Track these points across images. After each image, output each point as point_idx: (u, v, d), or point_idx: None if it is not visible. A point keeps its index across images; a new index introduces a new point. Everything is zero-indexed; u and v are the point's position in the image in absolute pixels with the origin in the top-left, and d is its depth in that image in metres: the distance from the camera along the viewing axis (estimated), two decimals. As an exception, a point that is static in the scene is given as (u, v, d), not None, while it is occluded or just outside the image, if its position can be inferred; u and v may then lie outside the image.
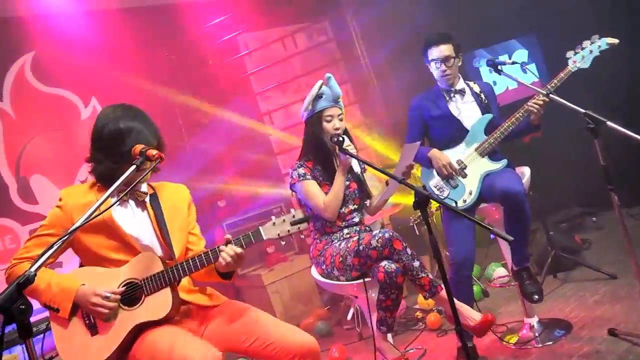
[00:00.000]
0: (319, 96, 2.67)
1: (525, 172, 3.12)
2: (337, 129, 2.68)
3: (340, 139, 2.61)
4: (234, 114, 5.19)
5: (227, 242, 1.97)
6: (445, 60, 3.01)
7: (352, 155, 2.51)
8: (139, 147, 1.91)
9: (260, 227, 1.97)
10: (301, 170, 2.74)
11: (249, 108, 5.17)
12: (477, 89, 3.13)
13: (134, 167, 1.86)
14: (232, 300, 2.16)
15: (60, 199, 2.04)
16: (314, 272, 2.82)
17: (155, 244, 2.05)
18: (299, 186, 2.73)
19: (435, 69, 3.07)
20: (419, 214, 3.98)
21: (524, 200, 2.75)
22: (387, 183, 2.80)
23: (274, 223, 1.96)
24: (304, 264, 4.54)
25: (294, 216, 1.97)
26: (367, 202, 2.87)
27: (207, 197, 4.79)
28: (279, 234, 1.95)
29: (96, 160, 2.02)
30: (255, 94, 5.31)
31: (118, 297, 1.95)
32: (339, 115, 2.71)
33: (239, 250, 1.95)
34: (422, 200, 2.00)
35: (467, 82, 3.17)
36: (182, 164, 4.59)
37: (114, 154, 1.96)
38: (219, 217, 4.62)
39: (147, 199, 2.09)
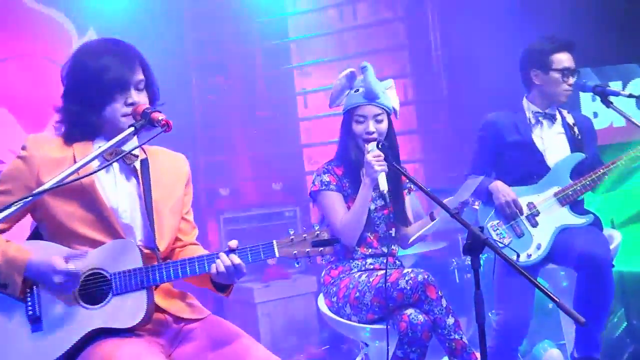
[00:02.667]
0: (354, 90, 2.66)
1: (615, 236, 3.09)
2: (370, 132, 2.66)
3: (379, 144, 2.59)
4: (261, 84, 5.22)
5: (230, 251, 1.96)
6: (573, 72, 2.98)
7: (387, 162, 2.47)
8: (142, 107, 1.90)
9: (274, 242, 1.97)
10: (326, 178, 2.73)
11: (281, 82, 5.19)
12: (570, 119, 3.09)
13: (131, 129, 1.85)
14: (218, 318, 2.14)
15: (24, 148, 1.98)
16: (321, 303, 2.81)
17: (138, 224, 2.03)
18: (319, 197, 2.72)
19: (554, 81, 3.00)
20: (465, 259, 3.96)
21: (609, 272, 2.72)
22: (430, 216, 2.78)
23: (292, 239, 1.97)
24: (309, 287, 4.51)
25: (317, 235, 1.96)
26: (402, 231, 2.84)
27: (206, 178, 4.82)
28: (295, 254, 1.97)
29: (68, 110, 2.02)
30: (293, 66, 5.32)
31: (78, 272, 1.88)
32: (376, 116, 2.68)
33: (237, 261, 1.94)
34: (476, 244, 1.96)
35: (561, 109, 3.12)
36: (184, 128, 4.59)
37: (87, 96, 1.96)
38: (217, 207, 4.66)
39: (138, 165, 2.06)
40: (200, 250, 2.15)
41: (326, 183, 2.72)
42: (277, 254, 1.96)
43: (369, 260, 2.75)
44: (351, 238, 2.67)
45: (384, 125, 2.71)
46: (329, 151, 4.94)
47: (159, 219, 2.03)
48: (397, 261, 2.83)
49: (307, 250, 1.98)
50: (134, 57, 2.02)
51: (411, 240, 2.70)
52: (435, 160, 5.09)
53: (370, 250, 2.76)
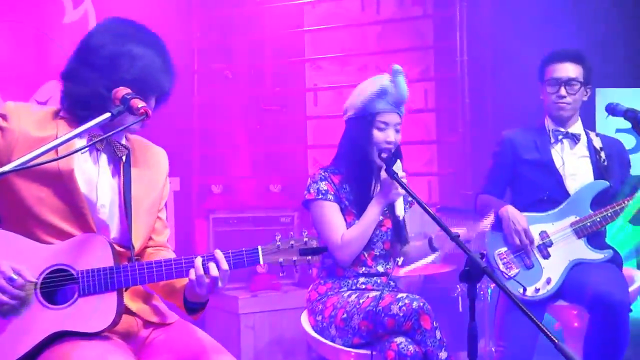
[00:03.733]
0: (381, 93, 2.67)
1: (636, 277, 3.10)
2: (390, 142, 2.68)
3: (391, 156, 2.60)
4: (269, 76, 5.23)
5: (211, 258, 1.97)
6: (567, 82, 2.99)
7: (402, 186, 2.49)
8: (122, 91, 1.90)
9: (259, 247, 2.00)
10: (323, 186, 2.74)
11: (291, 75, 5.21)
12: (598, 143, 3.09)
13: (108, 115, 1.85)
14: (186, 324, 2.16)
15: (3, 116, 1.95)
16: (305, 320, 2.84)
17: (115, 221, 2.04)
18: (315, 207, 2.73)
19: (549, 93, 3.04)
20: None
21: (625, 317, 2.72)
22: (429, 243, 2.82)
23: (279, 246, 2.00)
24: (301, 301, 4.40)
25: (305, 242, 2.00)
26: (399, 250, 2.87)
27: (199, 172, 4.85)
28: (281, 262, 2.01)
29: (78, 78, 1.99)
30: (305, 59, 5.34)
31: (26, 284, 1.86)
32: (396, 125, 2.71)
33: (214, 272, 1.95)
34: (474, 272, 1.99)
35: (588, 130, 3.13)
36: (181, 116, 4.61)
37: (108, 78, 1.96)
38: (207, 206, 4.68)
39: (124, 158, 2.07)
40: (172, 256, 2.17)
41: (323, 192, 2.73)
42: (261, 261, 2.00)
43: (361, 280, 2.76)
44: (350, 257, 2.69)
45: (400, 136, 2.76)
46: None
47: (136, 217, 2.05)
48: (391, 282, 2.84)
49: (294, 258, 2.02)
50: (171, 62, 2.08)
51: (405, 270, 2.71)
52: (451, 174, 5.08)
53: (363, 268, 2.77)
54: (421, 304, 2.51)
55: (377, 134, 2.71)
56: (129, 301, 2.06)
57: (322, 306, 2.70)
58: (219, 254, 1.98)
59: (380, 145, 2.70)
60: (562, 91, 3.02)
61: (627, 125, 4.38)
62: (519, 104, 4.06)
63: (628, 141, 3.79)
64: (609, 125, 4.00)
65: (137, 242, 2.08)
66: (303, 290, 4.50)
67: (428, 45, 5.36)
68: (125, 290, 2.03)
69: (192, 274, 1.96)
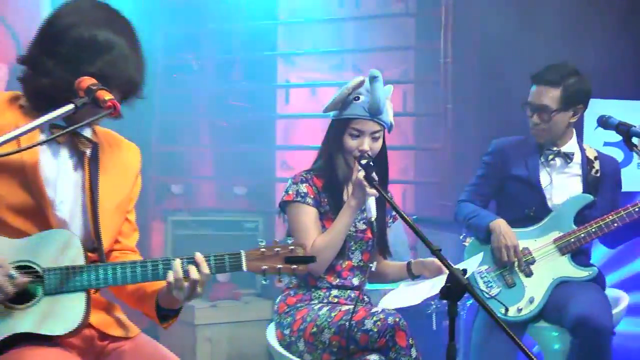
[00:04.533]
0: (353, 97, 2.68)
1: (621, 298, 3.14)
2: (364, 151, 2.68)
3: (369, 162, 2.61)
4: (238, 69, 5.23)
5: (190, 261, 1.98)
6: (539, 109, 3.03)
7: (377, 189, 2.50)
8: (87, 81, 1.87)
9: (242, 252, 2.01)
10: (303, 188, 2.74)
11: (261, 69, 5.21)
12: (591, 153, 3.14)
13: (71, 106, 1.83)
14: (150, 340, 2.14)
15: None
16: (271, 333, 2.82)
17: (77, 221, 2.02)
18: (292, 209, 2.74)
19: (528, 116, 3.09)
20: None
21: (608, 342, 2.76)
22: (407, 268, 2.85)
23: (263, 252, 2.01)
24: (263, 313, 4.53)
25: (291, 250, 2.02)
26: (375, 265, 2.88)
27: (158, 170, 4.83)
28: (264, 270, 2.01)
29: (40, 65, 1.93)
30: (277, 52, 5.33)
31: (25, 280, 1.86)
32: (373, 133, 2.71)
33: (195, 275, 1.95)
34: (456, 289, 1.98)
35: (583, 144, 3.17)
36: (140, 107, 4.52)
37: (73, 66, 1.91)
38: (166, 206, 4.66)
39: (88, 153, 2.04)
40: None
41: (302, 195, 2.73)
42: (244, 267, 2.01)
43: (334, 292, 2.76)
44: (322, 265, 2.68)
45: (379, 144, 2.75)
46: (307, 157, 4.98)
47: (103, 217, 2.03)
48: (365, 297, 2.84)
49: (279, 266, 2.02)
50: (141, 51, 2.04)
51: (382, 305, 2.70)
52: (429, 183, 5.12)
53: (337, 280, 2.77)
54: (397, 320, 2.51)
55: (349, 141, 2.70)
56: None
57: (291, 319, 2.69)
58: (199, 256, 1.98)
59: (352, 153, 2.71)
60: (535, 118, 3.07)
61: (616, 138, 4.48)
62: (505, 112, 4.11)
63: (616, 155, 3.85)
64: (597, 138, 4.08)
65: (106, 243, 2.06)
66: (265, 301, 4.60)
67: (409, 45, 5.39)
68: (95, 292, 2.01)
69: (171, 276, 1.95)
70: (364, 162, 2.62)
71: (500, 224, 3.04)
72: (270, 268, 2.02)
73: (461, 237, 3.91)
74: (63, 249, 1.93)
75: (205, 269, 1.98)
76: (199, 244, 4.34)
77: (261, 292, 4.71)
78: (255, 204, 4.90)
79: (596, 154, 3.16)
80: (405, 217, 2.23)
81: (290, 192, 2.75)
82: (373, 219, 2.56)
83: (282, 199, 2.78)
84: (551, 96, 3.03)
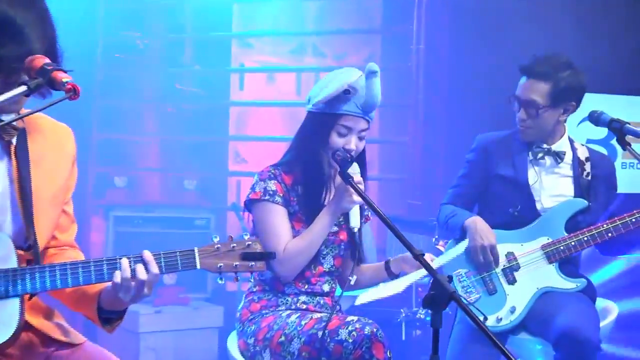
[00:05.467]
0: (349, 92, 2.66)
1: (610, 310, 3.17)
2: (350, 150, 2.67)
3: (350, 160, 2.59)
4: (188, 51, 5.18)
5: (138, 260, 1.96)
6: (526, 105, 3.04)
7: (359, 193, 2.48)
8: (39, 60, 1.83)
9: (196, 250, 1.99)
10: (271, 185, 2.70)
11: (214, 51, 5.19)
12: (583, 153, 3.16)
13: (23, 88, 1.78)
14: (98, 348, 2.11)
15: None
16: (232, 343, 2.79)
17: (7, 218, 1.98)
18: (259, 208, 2.71)
19: (515, 111, 3.10)
20: (418, 311, 4.00)
21: (593, 357, 2.75)
22: (386, 267, 2.83)
23: (218, 248, 2.00)
24: (213, 319, 4.51)
25: (248, 245, 2.02)
26: (352, 273, 2.82)
27: (98, 161, 4.78)
28: (220, 267, 2.00)
29: None
30: (232, 33, 5.30)
31: None
32: (361, 132, 2.70)
33: (142, 276, 1.93)
34: (441, 298, 1.99)
35: (574, 142, 3.20)
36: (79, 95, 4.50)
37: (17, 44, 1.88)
38: (107, 201, 4.61)
39: (14, 140, 2.00)
40: (82, 258, 2.13)
41: (271, 193, 2.69)
42: (198, 265, 2.00)
43: (302, 298, 2.73)
44: (292, 272, 2.66)
45: (363, 144, 2.75)
46: (263, 149, 5.02)
47: (37, 211, 1.99)
48: (335, 303, 2.82)
49: (236, 263, 2.02)
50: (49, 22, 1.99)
51: (360, 301, 2.70)
52: (395, 180, 5.14)
53: (306, 286, 2.74)
54: (374, 330, 2.49)
55: (336, 139, 2.68)
56: (28, 315, 1.98)
57: (256, 327, 2.64)
58: (148, 255, 1.97)
59: (337, 152, 2.69)
60: (522, 114, 3.05)
61: (600, 135, 4.62)
62: (484, 103, 4.14)
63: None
64: (580, 135, 4.14)
65: (41, 240, 2.01)
66: (216, 307, 4.61)
67: (375, 28, 5.40)
68: (30, 299, 1.97)
69: (118, 277, 1.93)
70: (339, 155, 2.60)
71: (475, 222, 3.03)
72: (226, 266, 2.02)
73: (434, 239, 3.95)
74: None
75: (155, 269, 1.96)
76: (144, 243, 4.27)
77: (212, 297, 4.70)
78: (206, 199, 4.87)
79: (588, 155, 3.15)
80: (389, 222, 2.22)
81: (257, 190, 2.71)
82: (356, 229, 2.56)
83: (247, 197, 2.74)
84: (540, 91, 3.00)
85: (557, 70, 3.01)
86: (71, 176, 2.14)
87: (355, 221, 2.61)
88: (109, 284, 1.97)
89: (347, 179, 2.52)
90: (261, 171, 2.76)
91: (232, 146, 5.23)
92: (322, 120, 2.69)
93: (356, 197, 2.57)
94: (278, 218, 2.68)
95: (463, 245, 2.78)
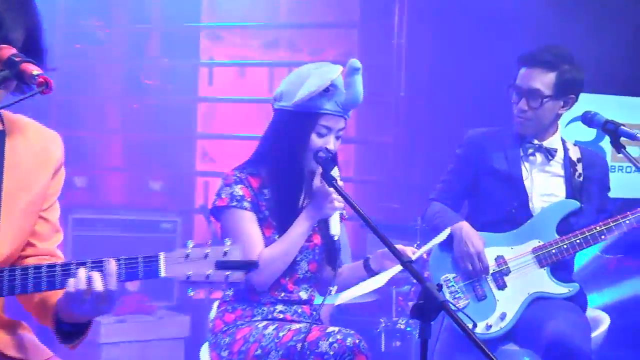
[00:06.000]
0: (330, 90, 2.64)
1: (602, 320, 3.16)
2: (329, 151, 2.65)
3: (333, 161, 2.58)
4: (154, 42, 5.18)
5: (96, 265, 1.89)
6: (528, 94, 3.05)
7: (344, 197, 2.46)
8: (6, 51, 1.79)
9: (162, 255, 1.90)
10: (238, 190, 2.67)
11: (182, 44, 5.17)
12: (575, 153, 3.17)
13: None
14: None
15: None
16: (205, 356, 2.76)
17: None
18: (227, 216, 2.68)
19: (512, 102, 3.11)
20: (398, 320, 3.99)
21: None
22: (365, 265, 2.82)
23: (188, 255, 1.91)
24: (180, 330, 4.50)
25: (225, 253, 1.92)
26: (327, 273, 2.84)
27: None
28: (189, 276, 1.91)
29: None
30: (200, 25, 5.28)
31: None
32: (339, 131, 2.70)
33: (98, 286, 1.85)
34: (430, 307, 1.98)
35: (566, 141, 3.22)
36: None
37: None
38: (66, 202, 4.51)
39: None
40: None
41: (238, 198, 2.66)
42: (162, 273, 1.90)
43: (279, 307, 2.71)
44: (268, 280, 2.65)
45: (339, 143, 2.74)
46: (232, 148, 4.99)
47: (6, 217, 1.95)
48: (314, 312, 2.81)
49: (208, 272, 1.91)
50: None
51: (340, 301, 2.68)
52: (372, 182, 5.13)
53: (283, 294, 2.72)
54: (357, 341, 2.46)
55: (316, 140, 2.66)
56: None
57: (230, 339, 2.60)
58: (109, 262, 1.88)
59: (316, 153, 2.67)
60: (522, 104, 3.05)
61: (589, 136, 4.66)
62: (466, 102, 4.14)
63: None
64: (568, 136, 4.15)
65: (3, 249, 1.96)
66: (183, 316, 4.58)
67: (354, 22, 5.40)
68: None
69: (71, 285, 1.85)
70: (322, 155, 2.58)
71: (462, 228, 3.04)
72: (196, 274, 1.90)
73: (415, 245, 3.94)
74: None
75: (113, 278, 1.87)
76: (105, 248, 4.33)
77: (178, 305, 4.67)
78: (172, 201, 4.87)
79: (579, 155, 3.18)
80: (376, 228, 2.23)
81: (223, 196, 2.68)
82: (336, 237, 2.55)
83: (213, 204, 2.70)
84: (545, 80, 3.02)
85: (563, 60, 3.04)
86: (53, 184, 2.09)
87: (335, 228, 2.61)
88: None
89: (331, 181, 2.50)
90: (226, 175, 2.73)
91: (199, 144, 5.23)
92: (301, 120, 2.66)
93: (338, 204, 2.58)
94: (248, 224, 2.66)
95: (445, 233, 2.76)
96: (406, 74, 4.68)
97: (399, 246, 2.64)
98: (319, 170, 2.64)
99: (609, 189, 3.24)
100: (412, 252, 2.65)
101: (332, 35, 5.31)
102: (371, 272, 2.80)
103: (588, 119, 3.01)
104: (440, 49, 4.76)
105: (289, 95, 2.67)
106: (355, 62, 2.64)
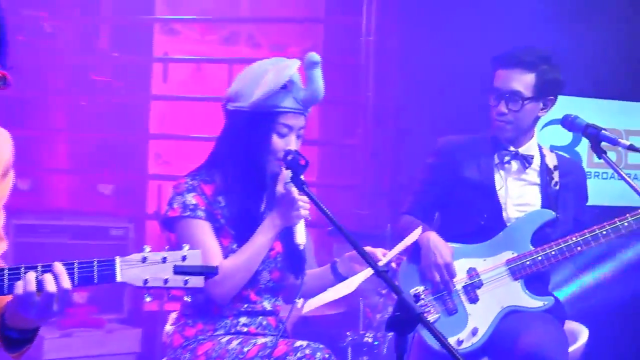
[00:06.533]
0: (289, 87, 2.63)
1: (580, 333, 3.17)
2: (290, 152, 2.63)
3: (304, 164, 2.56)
4: (104, 35, 5.15)
5: (46, 269, 1.85)
6: (508, 96, 3.07)
7: (316, 204, 2.44)
8: None
9: (118, 259, 1.89)
10: (190, 198, 2.66)
11: (134, 38, 5.15)
12: (552, 160, 3.20)
13: None
14: None
15: None
16: (160, 374, 2.74)
17: None
18: (181, 226, 2.65)
19: (491, 105, 3.12)
20: (366, 334, 3.98)
21: None
22: (332, 268, 2.82)
23: (145, 258, 1.90)
24: (130, 344, 4.50)
25: (184, 257, 1.92)
26: (291, 280, 2.84)
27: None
28: (146, 281, 1.90)
29: None
30: (155, 19, 5.26)
31: None
32: (300, 130, 2.70)
33: (51, 287, 1.83)
34: (407, 319, 1.97)
35: (542, 147, 3.25)
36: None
37: None
38: (7, 208, 4.46)
39: None
40: None
41: (191, 207, 2.64)
42: (119, 277, 1.89)
43: (242, 320, 2.70)
44: (230, 293, 2.63)
45: (300, 143, 2.74)
46: (187, 150, 4.95)
47: None
48: (280, 324, 2.79)
49: (166, 277, 1.91)
50: None
51: (308, 308, 2.67)
52: (338, 187, 5.13)
53: (246, 305, 2.71)
54: (326, 356, 2.48)
55: (277, 140, 2.66)
56: None
57: (191, 355, 2.61)
58: (58, 266, 1.86)
59: (277, 155, 2.66)
60: (502, 107, 3.07)
61: (565, 141, 4.70)
62: (437, 102, 4.15)
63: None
64: (542, 141, 4.19)
65: None
66: (133, 330, 4.54)
67: (317, 17, 5.40)
68: None
69: (19, 288, 1.83)
70: (290, 158, 2.56)
71: (429, 238, 3.05)
72: (153, 279, 1.91)
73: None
74: None
75: (66, 282, 1.86)
76: (51, 256, 4.19)
77: (128, 318, 4.65)
78: (123, 206, 4.84)
79: (556, 162, 3.21)
80: (350, 235, 2.24)
81: (175, 206, 2.66)
82: (302, 246, 2.55)
83: (165, 215, 2.68)
84: (524, 81, 3.05)
85: (541, 60, 3.08)
86: (2, 185, 2.08)
87: (301, 237, 2.60)
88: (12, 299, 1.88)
89: (302, 186, 2.48)
90: (176, 184, 2.72)
91: (153, 146, 5.20)
92: (260, 120, 2.66)
93: (304, 211, 2.58)
94: (204, 234, 2.64)
95: (416, 232, 2.76)
96: (374, 72, 4.68)
97: (367, 248, 2.66)
98: (283, 174, 2.63)
99: (586, 198, 3.28)
100: (382, 253, 2.69)
101: (295, 30, 5.32)
102: (339, 277, 2.80)
103: (568, 122, 3.04)
104: (410, 47, 4.78)
105: (245, 95, 2.65)
106: (314, 56, 2.65)
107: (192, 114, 5.26)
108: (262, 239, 2.64)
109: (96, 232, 4.58)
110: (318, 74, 2.66)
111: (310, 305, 2.62)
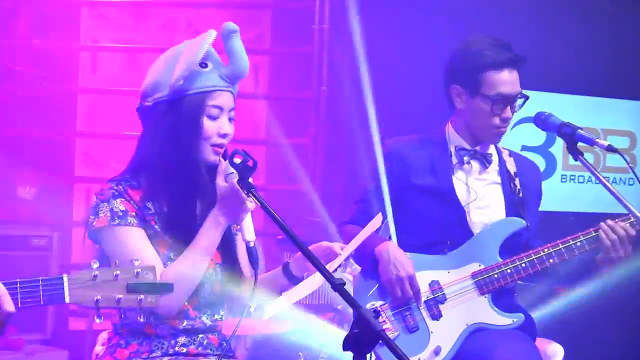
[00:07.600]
0: (207, 60, 2.62)
1: (555, 354, 3.22)
2: (224, 135, 2.65)
3: (246, 160, 2.55)
4: (24, 20, 5.09)
5: None
6: (514, 100, 3.10)
7: (265, 207, 2.44)
8: None
9: (65, 277, 1.93)
10: (118, 205, 2.62)
11: (58, 24, 5.14)
12: (512, 165, 3.25)
13: None
14: None
15: None
16: (91, 400, 2.71)
17: None
18: (110, 237, 2.62)
19: (480, 111, 3.11)
20: (322, 354, 4.00)
21: None
22: (284, 270, 2.81)
23: (95, 276, 1.94)
24: None
25: (137, 274, 1.98)
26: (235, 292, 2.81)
27: None
28: (98, 300, 1.94)
29: None
30: (82, 1, 5.26)
31: None
32: (230, 111, 2.69)
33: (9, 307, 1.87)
34: (366, 337, 2.00)
35: (501, 147, 3.30)
36: None
37: None
38: None
39: None
40: None
41: (120, 214, 2.60)
42: (67, 298, 1.94)
43: (181, 340, 2.68)
44: (177, 304, 2.60)
45: (233, 127, 2.71)
46: (119, 150, 4.93)
47: None
48: (223, 342, 2.78)
49: (119, 297, 1.97)
50: None
51: (267, 315, 2.67)
52: (287, 191, 5.16)
53: (185, 322, 2.69)
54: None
55: (208, 124, 2.63)
56: None
57: (124, 380, 2.60)
58: (0, 287, 1.89)
59: (212, 141, 2.65)
60: (508, 112, 3.11)
61: (537, 141, 4.78)
62: (397, 98, 4.18)
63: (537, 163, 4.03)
64: (514, 141, 4.27)
65: None
66: (57, 351, 4.56)
67: (265, 2, 5.43)
68: None
69: None
70: (237, 160, 2.54)
71: (388, 249, 3.06)
72: (105, 299, 1.97)
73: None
74: None
75: (9, 305, 1.88)
76: None
77: (52, 338, 4.65)
78: (47, 212, 4.77)
79: (515, 168, 3.24)
80: (302, 244, 2.27)
81: (101, 215, 2.60)
82: (252, 243, 2.50)
83: (91, 226, 2.62)
84: (518, 82, 3.12)
85: (521, 57, 3.14)
86: None
87: (250, 233, 2.54)
88: None
89: (250, 189, 2.47)
90: (99, 191, 2.66)
91: (80, 145, 5.21)
92: (187, 105, 2.62)
93: (250, 204, 2.53)
94: (139, 242, 2.61)
95: (377, 219, 2.76)
96: (328, 64, 4.69)
97: (324, 243, 2.71)
98: (222, 165, 2.59)
99: (540, 197, 3.36)
100: (340, 247, 2.70)
101: (240, 16, 5.29)
102: (293, 279, 2.79)
103: (541, 120, 3.08)
104: (368, 37, 4.80)
105: (162, 84, 2.61)
106: (230, 24, 2.62)
107: (124, 109, 5.19)
108: (208, 240, 2.62)
109: (15, 241, 4.56)
110: (238, 43, 2.62)
111: (272, 310, 2.62)
